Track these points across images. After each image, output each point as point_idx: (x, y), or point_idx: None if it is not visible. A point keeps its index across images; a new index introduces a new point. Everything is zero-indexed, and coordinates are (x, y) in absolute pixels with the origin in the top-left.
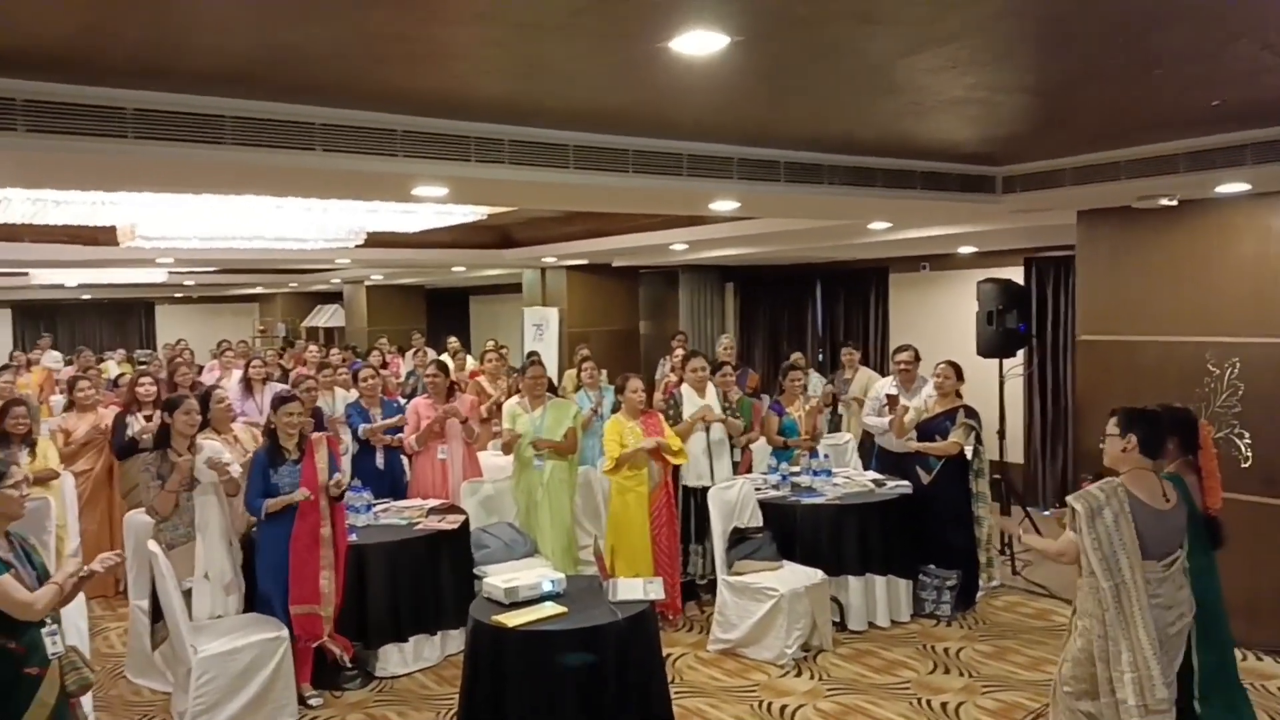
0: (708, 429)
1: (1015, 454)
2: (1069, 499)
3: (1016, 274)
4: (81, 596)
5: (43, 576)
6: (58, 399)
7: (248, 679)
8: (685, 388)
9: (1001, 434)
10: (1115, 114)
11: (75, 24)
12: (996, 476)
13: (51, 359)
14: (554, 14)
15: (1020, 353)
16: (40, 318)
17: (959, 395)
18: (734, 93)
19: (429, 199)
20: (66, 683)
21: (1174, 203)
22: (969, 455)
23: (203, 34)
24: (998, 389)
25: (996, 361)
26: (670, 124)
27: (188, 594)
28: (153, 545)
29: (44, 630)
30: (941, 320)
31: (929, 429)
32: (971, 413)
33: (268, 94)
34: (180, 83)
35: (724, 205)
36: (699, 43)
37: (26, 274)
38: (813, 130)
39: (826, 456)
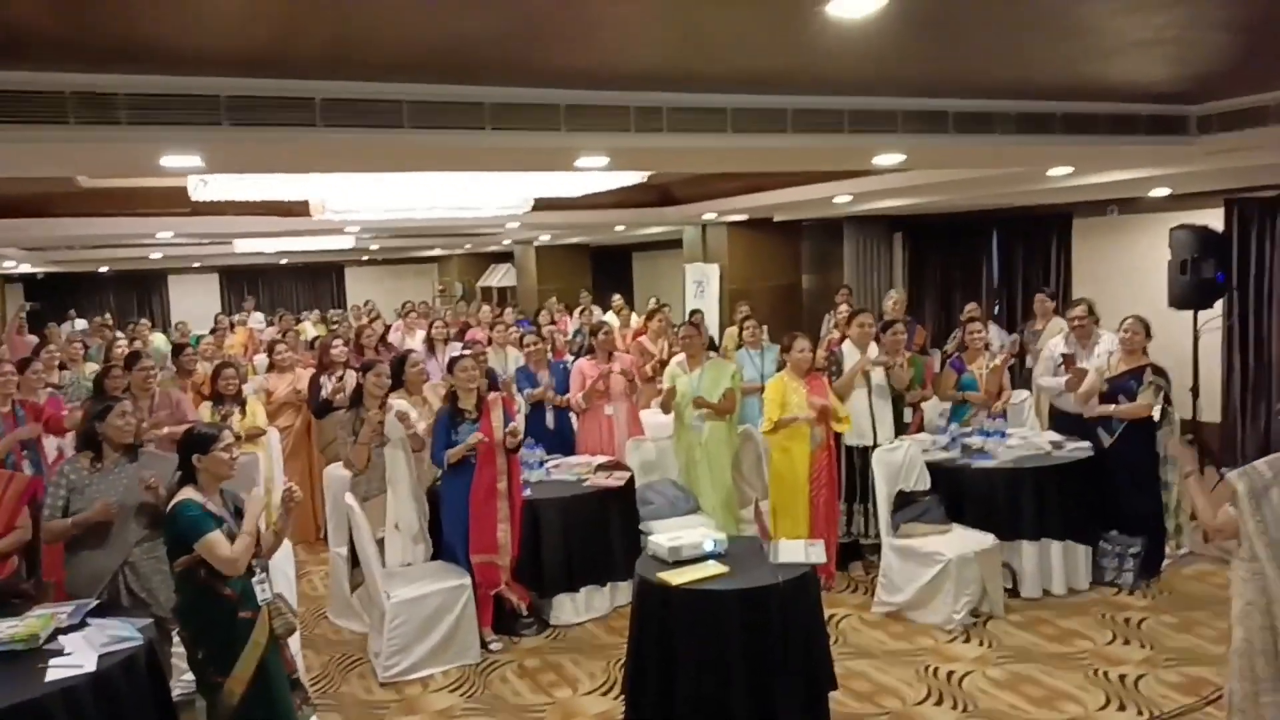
0: (870, 387)
1: (1212, 413)
2: (1229, 475)
3: (1215, 216)
4: (288, 545)
5: None
6: (261, 358)
7: (435, 623)
8: (847, 344)
9: (1195, 391)
10: None
11: (270, 28)
12: (1189, 437)
13: (256, 320)
14: None
15: (1218, 303)
16: (244, 281)
17: (1145, 353)
18: (895, 47)
19: (591, 168)
20: (274, 626)
21: None
22: (1156, 416)
23: (383, 29)
24: (1191, 343)
25: (1190, 313)
26: (830, 81)
27: (380, 543)
28: (349, 498)
29: (254, 579)
30: (1130, 269)
31: (1113, 389)
32: (1159, 371)
33: (440, 78)
34: (362, 72)
35: (889, 159)
36: (855, 4)
37: (230, 243)
38: (982, 78)
39: (1002, 416)
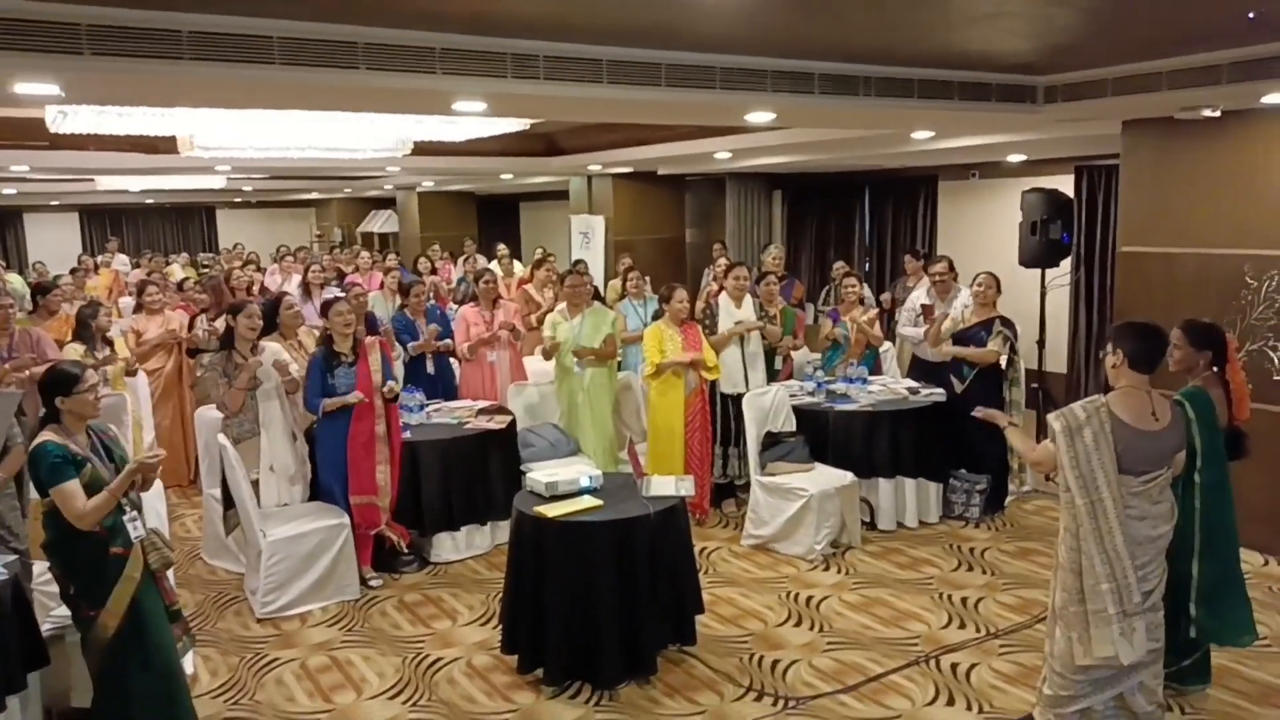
0: (743, 339)
1: (1058, 364)
2: (1048, 417)
3: (1067, 182)
4: (159, 484)
5: (120, 467)
6: (126, 300)
7: (313, 561)
8: (723, 297)
9: (1041, 344)
10: (1157, 25)
11: None
12: (1034, 385)
13: (120, 262)
14: None
15: (1065, 262)
16: (106, 221)
17: (995, 306)
18: (762, 8)
19: (469, 113)
20: (149, 561)
21: (1217, 114)
22: (1003, 364)
23: None
24: (1039, 299)
25: (1039, 271)
26: (703, 38)
27: (255, 484)
28: (222, 438)
29: (125, 517)
30: (989, 229)
31: (964, 338)
32: (1007, 322)
33: (313, 15)
34: (232, 6)
35: (760, 117)
36: None
37: (93, 180)
38: (846, 42)
39: (865, 365)
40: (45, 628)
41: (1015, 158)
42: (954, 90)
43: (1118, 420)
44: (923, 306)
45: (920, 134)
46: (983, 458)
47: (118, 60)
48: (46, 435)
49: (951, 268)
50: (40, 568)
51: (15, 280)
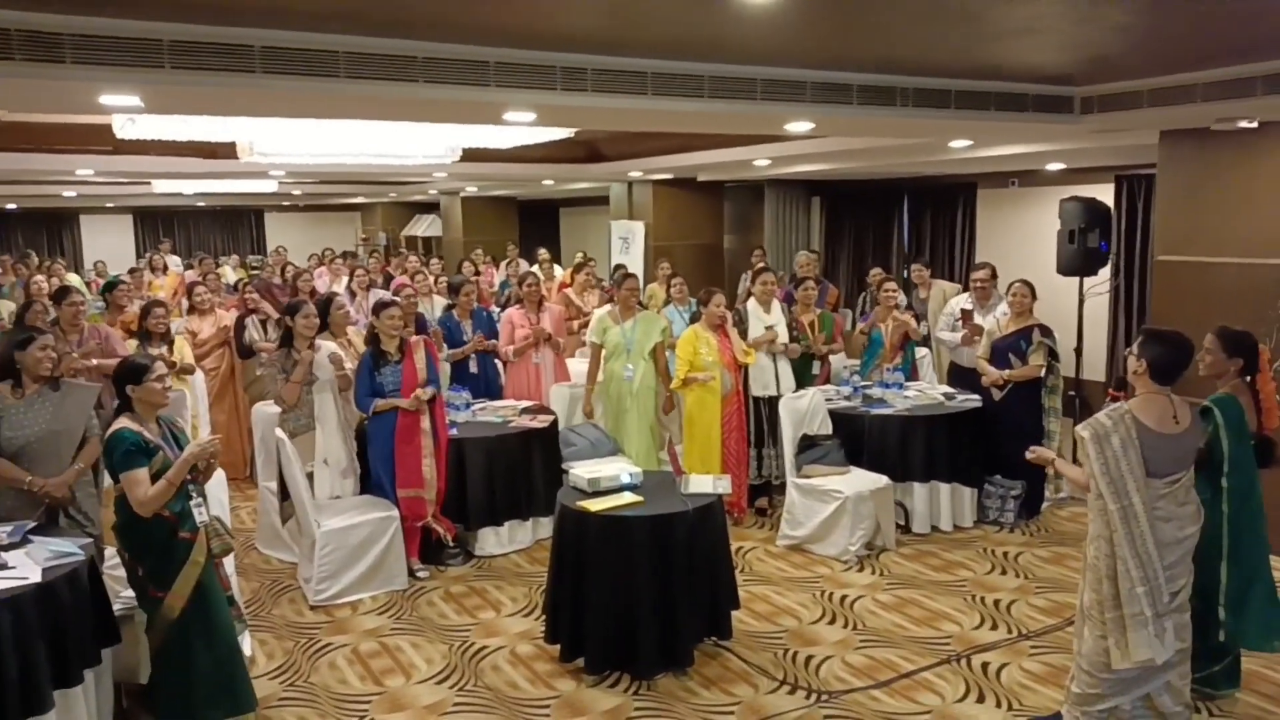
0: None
1: (1096, 372)
2: (1076, 428)
3: (1106, 191)
4: (222, 474)
5: None
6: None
7: (363, 552)
8: (752, 303)
9: (1079, 351)
10: (1189, 40)
11: None
12: (1071, 393)
13: (173, 263)
14: None
15: (1105, 270)
16: (159, 222)
17: (1032, 313)
18: (802, 23)
19: (519, 123)
20: (211, 547)
21: (1254, 125)
22: (1042, 373)
23: None
24: (1077, 307)
25: (1078, 279)
26: (744, 51)
27: (309, 477)
28: (279, 432)
29: (191, 503)
30: (1028, 237)
31: (1002, 347)
32: (1047, 331)
33: (376, 30)
34: (301, 21)
35: (799, 127)
36: None
37: (149, 183)
38: (883, 55)
39: (902, 370)
40: (115, 608)
41: (1054, 166)
42: (991, 101)
43: (1142, 425)
44: (962, 311)
45: (958, 143)
46: (1018, 463)
47: (196, 73)
48: (122, 422)
49: (994, 274)
50: (109, 552)
51: (74, 280)
